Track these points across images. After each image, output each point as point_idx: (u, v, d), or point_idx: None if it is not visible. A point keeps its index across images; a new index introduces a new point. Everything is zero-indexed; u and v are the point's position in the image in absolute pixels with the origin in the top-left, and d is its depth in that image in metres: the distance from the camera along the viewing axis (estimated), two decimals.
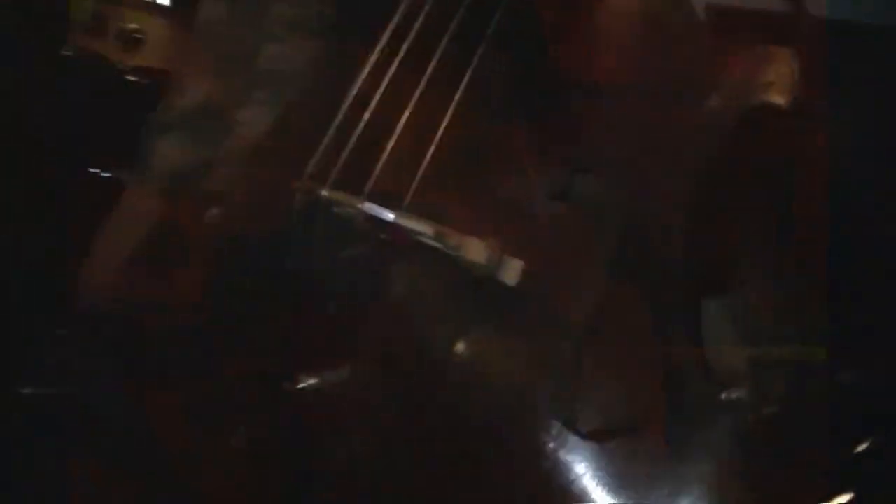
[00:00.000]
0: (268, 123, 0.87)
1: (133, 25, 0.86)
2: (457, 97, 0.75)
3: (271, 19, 0.92)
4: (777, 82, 0.73)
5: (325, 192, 0.74)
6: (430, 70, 0.76)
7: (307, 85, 0.87)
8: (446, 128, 0.75)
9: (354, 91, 0.77)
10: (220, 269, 0.79)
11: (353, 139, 0.76)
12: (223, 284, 0.78)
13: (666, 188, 0.75)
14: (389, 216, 0.72)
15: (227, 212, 0.81)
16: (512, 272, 0.72)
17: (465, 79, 0.75)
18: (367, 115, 0.76)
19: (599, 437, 0.73)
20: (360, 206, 0.73)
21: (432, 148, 0.74)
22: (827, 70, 0.67)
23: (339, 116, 0.77)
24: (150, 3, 0.87)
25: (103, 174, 0.82)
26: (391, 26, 0.78)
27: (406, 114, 0.75)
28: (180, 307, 0.78)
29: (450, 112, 0.74)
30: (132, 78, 0.84)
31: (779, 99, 0.74)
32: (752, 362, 0.72)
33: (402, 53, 0.77)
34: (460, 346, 0.75)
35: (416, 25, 0.78)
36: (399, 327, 0.76)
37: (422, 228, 0.71)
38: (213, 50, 0.91)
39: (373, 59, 0.78)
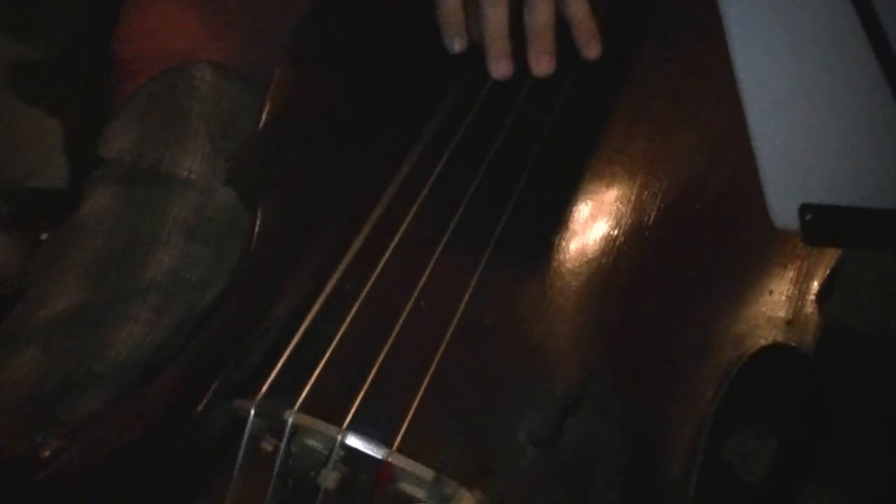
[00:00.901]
0: (155, 340, 0.73)
1: None
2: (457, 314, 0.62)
3: (166, 222, 0.79)
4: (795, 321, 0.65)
5: (291, 417, 0.58)
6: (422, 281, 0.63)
7: (204, 298, 0.79)
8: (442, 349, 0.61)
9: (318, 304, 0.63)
10: None
11: (327, 355, 0.61)
12: None
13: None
14: (379, 454, 0.57)
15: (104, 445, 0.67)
16: None
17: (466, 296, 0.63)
18: (343, 330, 0.61)
19: None
20: (339, 437, 0.57)
21: (429, 373, 0.60)
22: None
23: (303, 329, 0.62)
24: None
25: None
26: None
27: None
28: None
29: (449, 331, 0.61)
30: None
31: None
32: None
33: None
34: None
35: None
36: None
37: (419, 472, 0.57)
38: (88, 255, 0.77)
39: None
